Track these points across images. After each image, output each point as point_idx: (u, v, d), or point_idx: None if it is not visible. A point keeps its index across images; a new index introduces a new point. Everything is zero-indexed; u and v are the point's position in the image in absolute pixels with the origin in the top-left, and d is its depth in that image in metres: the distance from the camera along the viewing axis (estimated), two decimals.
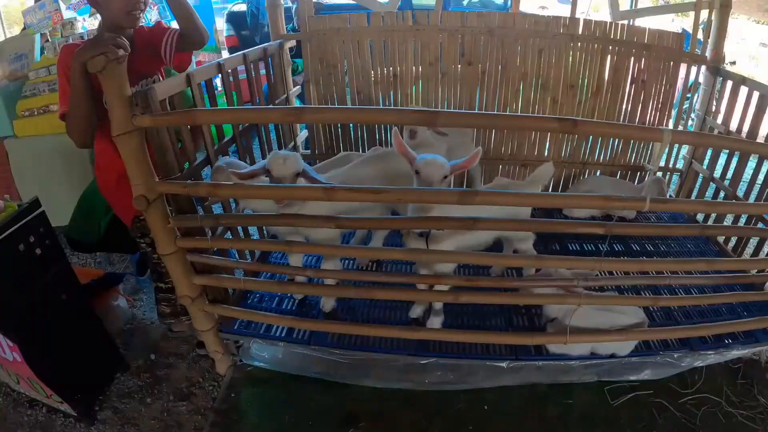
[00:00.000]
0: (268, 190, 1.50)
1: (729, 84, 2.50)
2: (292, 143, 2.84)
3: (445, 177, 1.41)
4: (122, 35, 1.41)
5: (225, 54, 6.06)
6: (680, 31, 2.89)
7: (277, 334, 1.91)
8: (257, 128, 2.30)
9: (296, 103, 2.89)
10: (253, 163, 2.14)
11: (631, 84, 2.75)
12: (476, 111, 2.81)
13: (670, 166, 2.97)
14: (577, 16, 2.65)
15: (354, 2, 2.98)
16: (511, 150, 2.90)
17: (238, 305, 1.99)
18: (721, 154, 2.70)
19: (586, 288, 1.64)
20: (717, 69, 2.64)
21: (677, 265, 1.65)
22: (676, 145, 2.91)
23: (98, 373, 2.00)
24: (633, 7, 2.88)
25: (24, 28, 3.49)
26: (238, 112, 1.42)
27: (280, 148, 2.71)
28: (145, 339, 2.32)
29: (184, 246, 1.64)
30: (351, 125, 2.88)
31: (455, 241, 1.62)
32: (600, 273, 1.80)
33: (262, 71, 2.53)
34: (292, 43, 2.81)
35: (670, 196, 2.99)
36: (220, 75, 1.95)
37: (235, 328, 1.94)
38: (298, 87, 2.87)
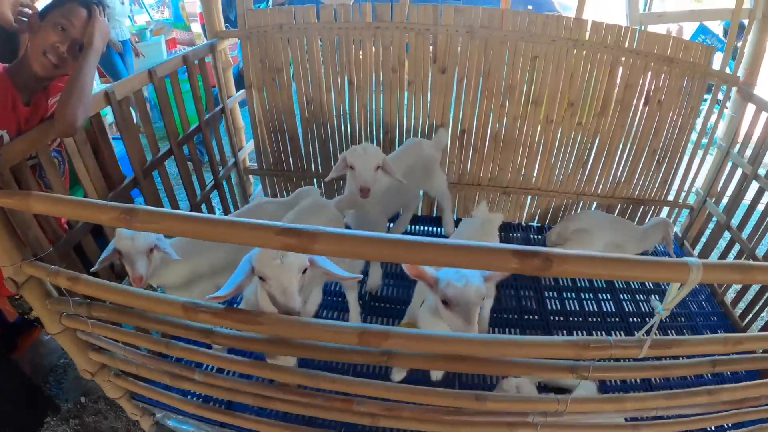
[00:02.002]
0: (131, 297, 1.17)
1: (766, 116, 1.97)
2: (233, 160, 2.44)
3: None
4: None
5: (196, 27, 5.50)
6: None
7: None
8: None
9: (240, 115, 2.44)
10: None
11: (644, 104, 2.21)
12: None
13: (680, 200, 2.49)
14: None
15: None
16: (491, 174, 2.43)
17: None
18: (743, 197, 2.20)
19: None
20: (750, 93, 2.09)
21: (672, 400, 1.26)
22: (690, 177, 2.43)
23: (25, 419, 1.89)
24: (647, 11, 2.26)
25: None
26: (67, 204, 1.05)
27: (223, 164, 2.34)
28: (78, 376, 2.29)
29: (70, 326, 1.41)
30: (301, 137, 2.43)
31: None
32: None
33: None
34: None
35: (675, 234, 2.55)
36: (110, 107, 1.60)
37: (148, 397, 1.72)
38: (242, 91, 2.40)
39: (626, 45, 2.09)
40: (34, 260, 1.26)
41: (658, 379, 1.81)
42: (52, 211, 1.16)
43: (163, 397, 1.63)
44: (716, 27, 3.80)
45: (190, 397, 1.73)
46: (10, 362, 1.81)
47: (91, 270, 1.29)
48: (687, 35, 3.60)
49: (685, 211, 2.54)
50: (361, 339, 0.97)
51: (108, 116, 2.62)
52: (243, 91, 2.37)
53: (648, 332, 0.92)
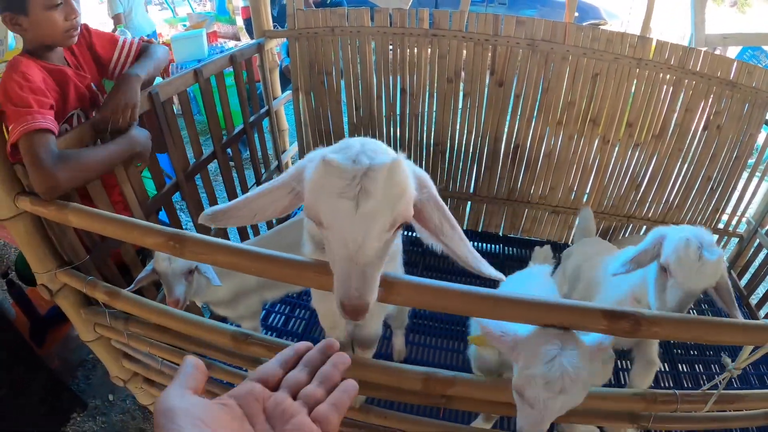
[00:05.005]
0: (176, 320, 1.11)
1: None
2: (276, 162, 2.31)
3: None
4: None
5: (239, 20, 5.45)
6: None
7: None
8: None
9: (284, 115, 2.32)
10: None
11: (703, 129, 2.15)
12: (501, 147, 2.24)
13: (730, 228, 2.42)
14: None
15: None
16: (542, 192, 2.34)
17: None
18: None
19: None
20: None
21: None
22: (742, 205, 2.36)
23: (49, 415, 1.85)
24: (691, 41, 2.20)
25: None
26: (112, 223, 0.96)
27: (266, 167, 2.23)
28: (107, 372, 2.21)
29: (105, 335, 1.36)
30: (346, 133, 2.32)
31: None
32: None
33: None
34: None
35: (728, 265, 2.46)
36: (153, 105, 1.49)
37: None
38: (288, 93, 2.28)
39: (690, 66, 2.04)
40: (70, 269, 1.21)
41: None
42: (92, 228, 1.05)
43: None
44: None
45: None
46: (36, 358, 1.79)
47: (128, 289, 1.18)
48: (730, 52, 3.53)
49: (734, 240, 2.46)
50: (425, 385, 0.95)
51: None
52: (289, 92, 2.26)
53: (713, 387, 0.92)
